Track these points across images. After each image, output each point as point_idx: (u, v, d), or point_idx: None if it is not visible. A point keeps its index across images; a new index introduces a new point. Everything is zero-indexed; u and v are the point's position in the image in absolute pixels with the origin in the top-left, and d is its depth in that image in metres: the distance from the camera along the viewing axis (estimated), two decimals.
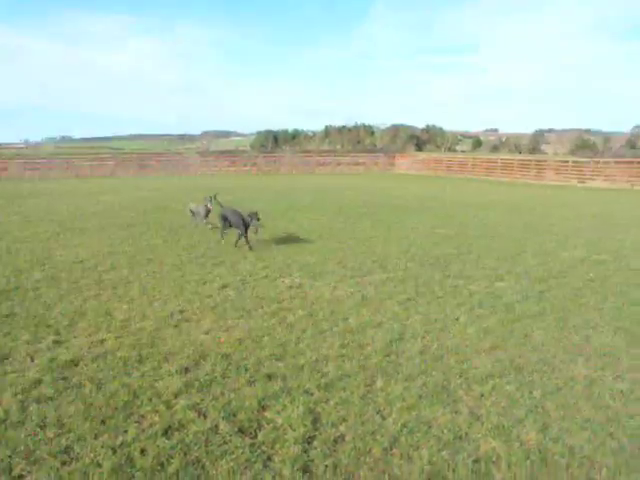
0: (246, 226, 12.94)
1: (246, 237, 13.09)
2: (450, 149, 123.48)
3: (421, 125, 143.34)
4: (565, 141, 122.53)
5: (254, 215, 12.96)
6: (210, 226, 15.90)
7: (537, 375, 6.15)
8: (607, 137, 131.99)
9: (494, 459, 4.56)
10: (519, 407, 5.43)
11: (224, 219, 13.54)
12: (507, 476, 4.34)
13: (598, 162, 45.35)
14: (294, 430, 4.90)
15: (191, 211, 16.55)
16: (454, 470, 4.38)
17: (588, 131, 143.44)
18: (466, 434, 4.92)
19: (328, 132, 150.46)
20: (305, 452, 4.60)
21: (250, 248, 12.90)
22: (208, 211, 15.96)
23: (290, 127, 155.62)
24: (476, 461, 4.52)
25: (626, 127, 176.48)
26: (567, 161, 48.20)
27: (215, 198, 15.50)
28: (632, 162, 42.88)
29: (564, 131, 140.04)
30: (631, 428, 5.10)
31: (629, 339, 7.34)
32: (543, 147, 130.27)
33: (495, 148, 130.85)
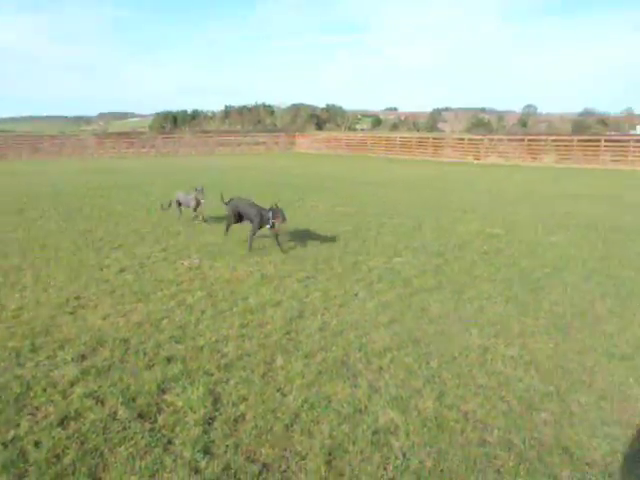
0: (261, 221, 10.88)
1: (253, 233, 11.06)
2: (350, 128, 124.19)
3: (321, 104, 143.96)
4: (461, 119, 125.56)
5: (278, 212, 10.73)
6: (198, 220, 13.90)
7: (434, 346, 6.33)
8: (501, 115, 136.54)
9: (393, 429, 4.66)
10: (417, 378, 5.56)
11: (234, 213, 11.52)
12: (405, 444, 4.44)
13: (492, 139, 46.88)
14: (194, 412, 4.86)
15: (178, 201, 14.15)
16: (354, 442, 4.45)
17: (483, 110, 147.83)
18: (365, 407, 5.00)
19: (228, 112, 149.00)
20: (206, 433, 4.56)
21: (250, 247, 10.97)
22: (198, 203, 13.61)
23: (189, 108, 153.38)
24: (375, 432, 4.60)
25: (518, 106, 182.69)
26: (463, 139, 49.53)
27: (204, 192, 13.29)
28: (523, 139, 44.66)
29: (460, 110, 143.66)
30: (520, 390, 5.35)
31: (519, 308, 7.67)
32: (440, 125, 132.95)
33: (395, 126, 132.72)
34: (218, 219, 13.72)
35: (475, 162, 42.27)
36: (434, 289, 8.43)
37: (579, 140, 42.49)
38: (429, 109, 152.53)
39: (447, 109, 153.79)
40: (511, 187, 23.80)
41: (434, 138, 52.14)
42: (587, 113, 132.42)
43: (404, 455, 4.31)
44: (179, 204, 14.12)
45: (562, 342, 6.53)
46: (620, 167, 36.72)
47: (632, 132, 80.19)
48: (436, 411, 4.95)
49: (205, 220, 13.94)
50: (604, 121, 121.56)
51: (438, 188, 22.81)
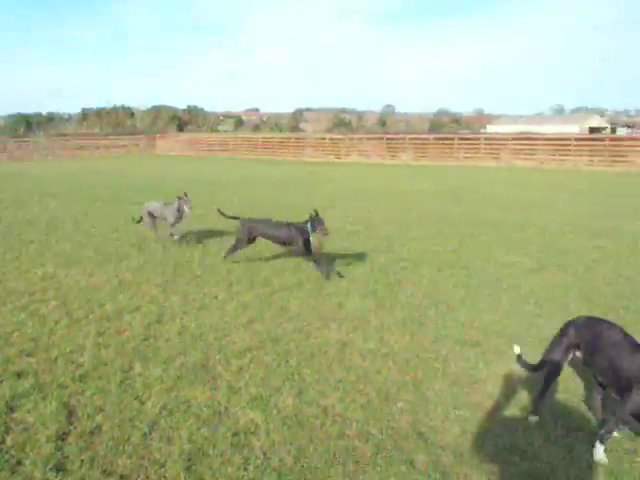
0: (307, 240, 9.32)
1: (312, 257, 9.36)
2: (212, 129, 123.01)
3: (183, 106, 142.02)
4: (323, 119, 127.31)
5: (320, 221, 9.24)
6: (176, 237, 11.49)
7: (293, 344, 6.39)
8: (361, 115, 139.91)
9: (253, 429, 4.65)
10: (276, 376, 5.59)
11: (248, 238, 9.72)
12: (266, 444, 4.45)
13: (353, 139, 47.97)
14: (47, 428, 4.63)
15: (150, 214, 11.66)
16: (214, 445, 4.40)
17: (344, 110, 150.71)
18: (226, 408, 4.97)
19: (86, 115, 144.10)
20: (59, 449, 4.35)
21: (327, 276, 9.03)
22: (180, 217, 11.36)
23: (44, 110, 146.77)
24: (235, 434, 4.58)
25: (377, 106, 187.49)
26: (324, 138, 50.29)
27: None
28: (382, 138, 46.02)
29: (322, 110, 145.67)
30: (378, 382, 5.50)
31: (377, 302, 7.89)
32: (302, 125, 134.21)
33: (257, 127, 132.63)
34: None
35: (336, 161, 43.04)
36: (294, 287, 8.53)
37: (435, 138, 44.46)
38: (291, 109, 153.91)
39: (309, 109, 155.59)
40: (370, 185, 24.43)
41: (296, 138, 52.64)
42: (442, 113, 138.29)
43: (264, 454, 4.32)
44: (152, 217, 11.65)
45: (418, 333, 6.78)
46: (472, 163, 38.60)
47: (482, 131, 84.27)
48: (296, 408, 4.99)
49: (178, 237, 11.51)
50: (457, 120, 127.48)
51: (300, 187, 23.07)
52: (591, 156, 36.88)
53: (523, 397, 5.29)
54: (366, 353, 6.17)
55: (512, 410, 5.06)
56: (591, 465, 4.24)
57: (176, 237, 11.45)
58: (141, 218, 11.85)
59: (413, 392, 5.33)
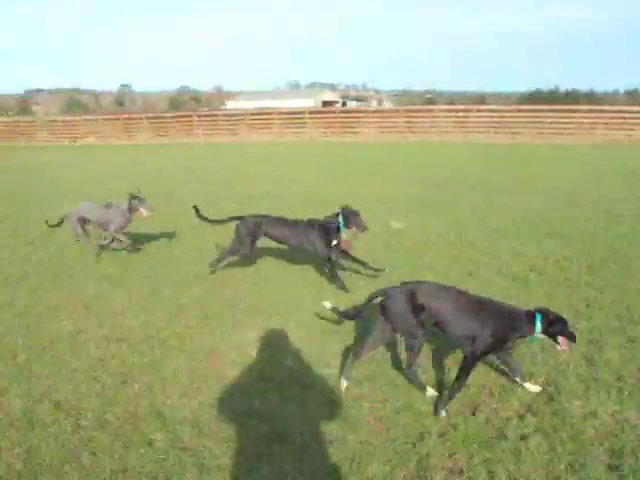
0: (330, 240, 7.50)
1: (331, 267, 7.61)
2: None
3: None
4: (56, 101, 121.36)
5: (355, 216, 7.48)
6: (113, 245, 9.13)
7: (22, 340, 5.99)
8: (97, 95, 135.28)
9: None
10: (2, 377, 5.20)
11: (252, 239, 7.79)
12: None
13: (88, 120, 46.25)
14: None
15: (82, 219, 8.83)
16: None
17: (79, 90, 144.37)
18: None
19: None
20: None
21: (344, 289, 7.30)
22: (130, 219, 8.91)
23: None
24: None
25: (114, 86, 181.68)
26: (57, 120, 47.81)
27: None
28: (118, 118, 44.91)
29: (55, 91, 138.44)
30: (113, 368, 5.37)
31: (112, 285, 7.74)
32: (34, 108, 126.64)
33: None
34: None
35: (72, 144, 41.13)
36: (20, 279, 8.04)
37: (173, 116, 44.10)
38: (20, 91, 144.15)
39: (40, 90, 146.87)
40: (111, 167, 23.77)
41: (26, 122, 49.37)
42: (183, 90, 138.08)
43: None
44: (83, 222, 8.89)
45: (154, 313, 6.71)
46: (212, 140, 38.98)
47: (222, 107, 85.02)
48: (25, 407, 4.68)
49: (131, 249, 9.16)
50: (197, 98, 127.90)
51: (51, 173, 21.94)
52: (325, 128, 38.97)
53: (260, 363, 5.42)
54: (100, 339, 5.97)
55: (249, 376, 5.17)
56: (321, 418, 4.48)
57: (123, 244, 9.04)
58: (60, 222, 9.18)
59: (150, 373, 5.25)
